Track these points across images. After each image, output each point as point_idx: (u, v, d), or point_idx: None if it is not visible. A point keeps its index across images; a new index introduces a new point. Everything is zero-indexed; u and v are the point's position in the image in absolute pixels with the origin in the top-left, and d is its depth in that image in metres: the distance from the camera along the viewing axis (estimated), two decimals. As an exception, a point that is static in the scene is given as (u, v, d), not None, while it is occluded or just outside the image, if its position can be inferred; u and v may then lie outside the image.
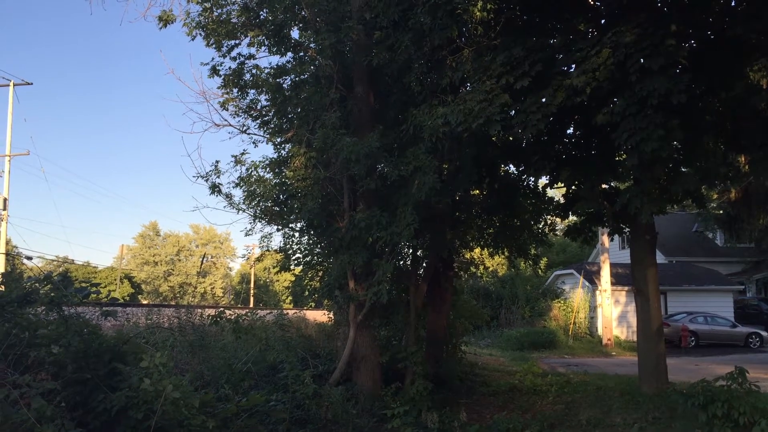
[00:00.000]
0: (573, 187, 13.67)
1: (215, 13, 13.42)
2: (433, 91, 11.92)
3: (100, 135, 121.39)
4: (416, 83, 11.86)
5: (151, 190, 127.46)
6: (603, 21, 11.96)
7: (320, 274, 14.17)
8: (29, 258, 12.10)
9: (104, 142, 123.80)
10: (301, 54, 13.95)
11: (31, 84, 37.38)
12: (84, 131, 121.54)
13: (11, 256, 28.80)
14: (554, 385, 15.18)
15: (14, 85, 35.98)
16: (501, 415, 12.87)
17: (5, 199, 35.27)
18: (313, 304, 22.96)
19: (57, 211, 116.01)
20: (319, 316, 17.74)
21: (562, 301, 33.16)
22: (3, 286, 7.72)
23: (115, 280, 67.57)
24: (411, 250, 14.70)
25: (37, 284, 7.48)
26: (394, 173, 11.66)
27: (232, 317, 13.56)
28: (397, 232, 11.47)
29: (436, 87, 11.88)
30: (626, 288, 30.80)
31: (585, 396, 13.71)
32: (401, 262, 14.33)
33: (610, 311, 29.80)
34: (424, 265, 15.11)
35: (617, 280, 31.35)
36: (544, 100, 10.28)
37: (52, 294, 7.20)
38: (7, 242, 38.08)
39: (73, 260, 65.33)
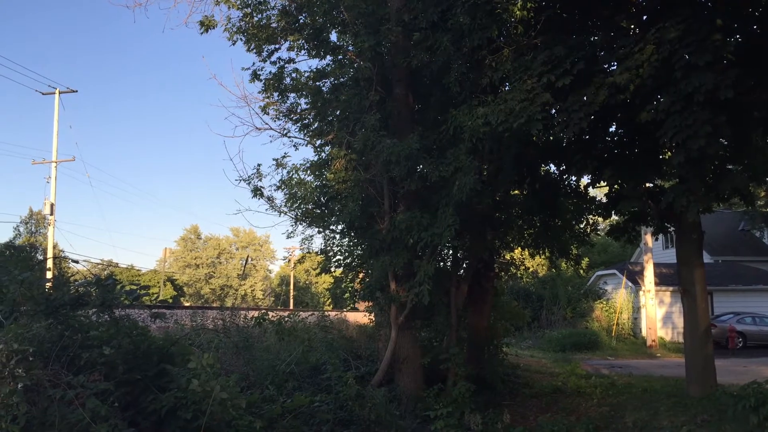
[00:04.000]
0: (616, 186, 13.48)
1: (255, 18, 13.59)
2: (473, 92, 11.87)
3: (143, 140, 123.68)
4: (456, 84, 11.82)
5: (192, 194, 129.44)
6: (645, 17, 11.78)
7: (360, 275, 14.23)
8: (76, 261, 12.41)
9: (146, 146, 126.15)
10: (341, 57, 14.03)
11: (76, 91, 38.30)
12: (127, 136, 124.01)
13: (58, 259, 29.49)
14: (599, 387, 14.98)
15: (60, 93, 36.91)
16: (545, 417, 12.75)
17: (52, 205, 36.16)
18: (351, 306, 23.15)
19: (102, 215, 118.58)
20: (359, 317, 17.80)
21: (604, 302, 32.70)
22: (54, 290, 7.91)
23: (159, 282, 68.77)
24: (451, 251, 14.65)
25: (87, 287, 7.65)
26: (435, 174, 11.64)
27: (275, 319, 13.74)
28: (437, 233, 11.45)
29: (476, 87, 11.84)
30: (671, 288, 30.24)
31: (631, 398, 13.51)
32: (442, 264, 14.31)
33: (654, 312, 29.28)
34: (465, 266, 15.04)
35: (661, 280, 30.80)
36: (586, 98, 10.17)
37: (103, 296, 7.36)
38: (55, 246, 39.03)
39: (117, 263, 66.67)
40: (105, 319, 7.72)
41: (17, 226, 65.08)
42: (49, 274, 9.09)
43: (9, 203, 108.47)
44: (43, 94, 37.25)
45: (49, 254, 35.89)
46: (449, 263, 14.88)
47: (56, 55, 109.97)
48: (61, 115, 36.39)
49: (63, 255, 42.83)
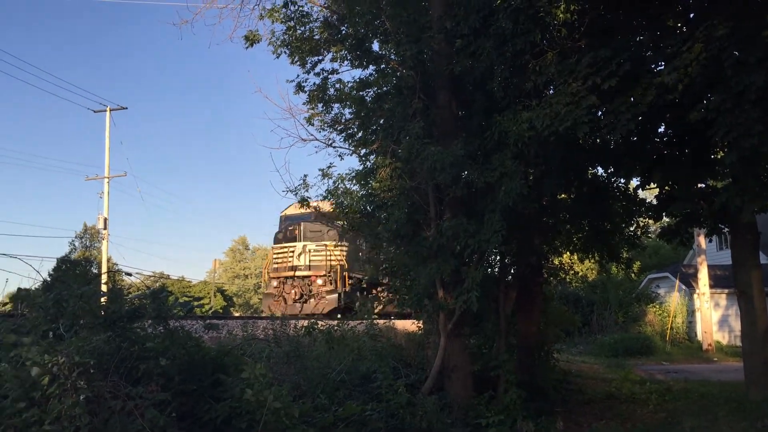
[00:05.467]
0: (667, 188, 13.22)
1: (298, 31, 13.79)
2: (517, 96, 11.79)
3: (190, 153, 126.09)
4: (499, 89, 11.76)
5: (239, 206, 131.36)
6: (692, 15, 11.56)
7: (408, 283, 14.24)
8: (129, 274, 12.69)
9: (194, 160, 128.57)
10: (383, 66, 14.12)
11: (126, 108, 39.26)
12: (175, 151, 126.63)
13: (112, 273, 30.31)
14: (654, 393, 14.68)
15: (110, 111, 37.95)
16: (599, 424, 12.55)
17: (105, 219, 37.14)
18: (396, 312, 23.31)
19: (152, 228, 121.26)
20: (407, 325, 17.80)
21: (657, 306, 31.99)
22: (110, 303, 8.13)
23: (209, 293, 69.89)
24: (499, 257, 14.56)
25: (143, 300, 7.85)
26: (480, 180, 11.59)
27: (324, 328, 13.84)
28: (485, 240, 11.38)
29: (520, 92, 11.75)
30: (726, 291, 29.45)
31: (688, 404, 13.20)
32: (489, 270, 14.22)
33: (709, 315, 28.55)
34: (513, 272, 14.92)
35: (716, 282, 30.00)
36: (633, 99, 10.01)
37: (158, 309, 7.55)
38: (108, 260, 40.03)
39: (168, 275, 67.98)
40: (160, 331, 7.91)
41: (72, 241, 67.05)
42: (104, 288, 9.34)
43: (65, 219, 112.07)
44: (95, 112, 38.39)
45: (104, 268, 36.82)
46: (497, 269, 14.78)
47: (105, 74, 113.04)
48: (113, 131, 37.32)
49: (117, 268, 43.87)
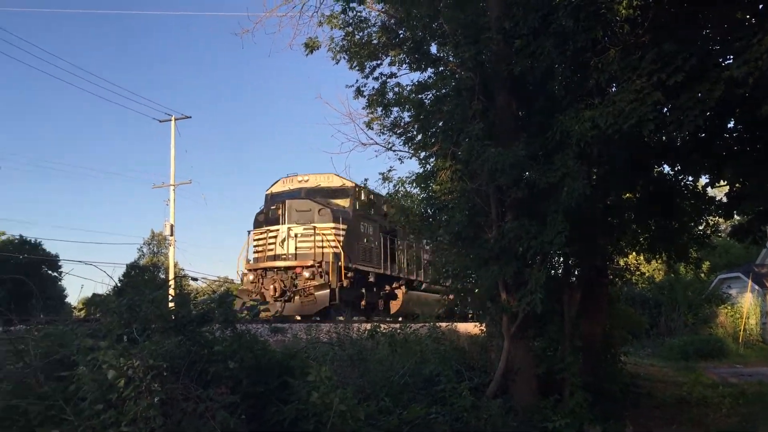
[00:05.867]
0: (737, 185, 12.79)
1: (357, 36, 13.93)
2: (579, 95, 11.60)
3: (250, 158, 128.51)
4: (560, 88, 11.62)
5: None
6: (761, 6, 11.16)
7: (470, 285, 14.18)
8: (195, 279, 13.05)
9: (254, 165, 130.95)
10: (441, 68, 14.11)
11: (190, 117, 40.28)
12: (238, 157, 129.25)
13: (179, 278, 31.21)
14: (727, 397, 14.22)
15: (175, 120, 39.01)
16: (670, 429, 12.25)
17: (172, 226, 38.14)
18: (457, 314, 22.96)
19: (216, 234, 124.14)
20: (470, 327, 17.69)
21: (728, 307, 30.93)
22: (178, 307, 8.36)
23: (271, 297, 70.83)
24: (562, 259, 14.35)
25: (211, 304, 8.05)
26: (542, 181, 11.44)
27: (387, 331, 13.89)
28: (547, 241, 11.23)
29: (582, 90, 11.57)
30: (803, 291, 28.28)
31: (763, 408, 12.75)
32: (553, 272, 14.03)
33: (785, 316, 27.47)
34: (577, 273, 14.68)
35: (792, 282, 28.85)
36: (700, 95, 9.73)
37: (226, 313, 7.73)
38: (175, 265, 41.13)
39: (232, 280, 69.43)
40: (227, 335, 8.10)
41: (140, 248, 69.24)
42: (171, 292, 9.62)
43: (132, 226, 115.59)
44: (160, 121, 39.51)
45: (171, 273, 37.84)
46: (560, 271, 14.57)
47: (170, 83, 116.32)
48: (177, 140, 38.36)
49: (183, 273, 45.07)
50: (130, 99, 65.39)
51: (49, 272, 56.40)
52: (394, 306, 26.10)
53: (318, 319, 19.92)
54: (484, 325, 15.36)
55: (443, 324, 15.17)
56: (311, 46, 13.87)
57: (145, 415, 5.71)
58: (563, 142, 11.31)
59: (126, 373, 5.86)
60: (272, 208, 22.19)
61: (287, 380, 7.76)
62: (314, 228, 20.84)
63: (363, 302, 22.09)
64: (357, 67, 14.14)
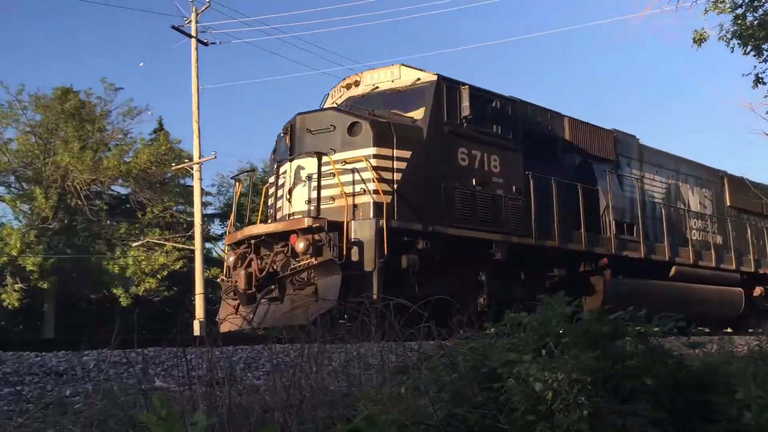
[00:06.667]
0: None
1: (749, 18, 12.72)
2: None
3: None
4: None
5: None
6: None
7: None
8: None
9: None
10: None
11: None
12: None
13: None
14: None
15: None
16: None
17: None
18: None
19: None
20: None
21: None
22: (589, 322, 8.47)
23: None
24: None
25: (624, 319, 8.02)
26: None
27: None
28: None
29: None
30: None
31: None
32: None
33: None
34: None
35: None
36: None
37: (639, 328, 7.62)
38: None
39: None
40: (640, 349, 7.96)
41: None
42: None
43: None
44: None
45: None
46: None
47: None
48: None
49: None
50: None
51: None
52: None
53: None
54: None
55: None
56: (699, 39, 12.99)
57: (576, 428, 5.92)
58: None
59: (552, 386, 6.16)
60: (280, 135, 12.23)
61: (711, 398, 7.34)
62: (343, 161, 10.93)
63: (482, 297, 11.74)
64: (753, 52, 12.85)
